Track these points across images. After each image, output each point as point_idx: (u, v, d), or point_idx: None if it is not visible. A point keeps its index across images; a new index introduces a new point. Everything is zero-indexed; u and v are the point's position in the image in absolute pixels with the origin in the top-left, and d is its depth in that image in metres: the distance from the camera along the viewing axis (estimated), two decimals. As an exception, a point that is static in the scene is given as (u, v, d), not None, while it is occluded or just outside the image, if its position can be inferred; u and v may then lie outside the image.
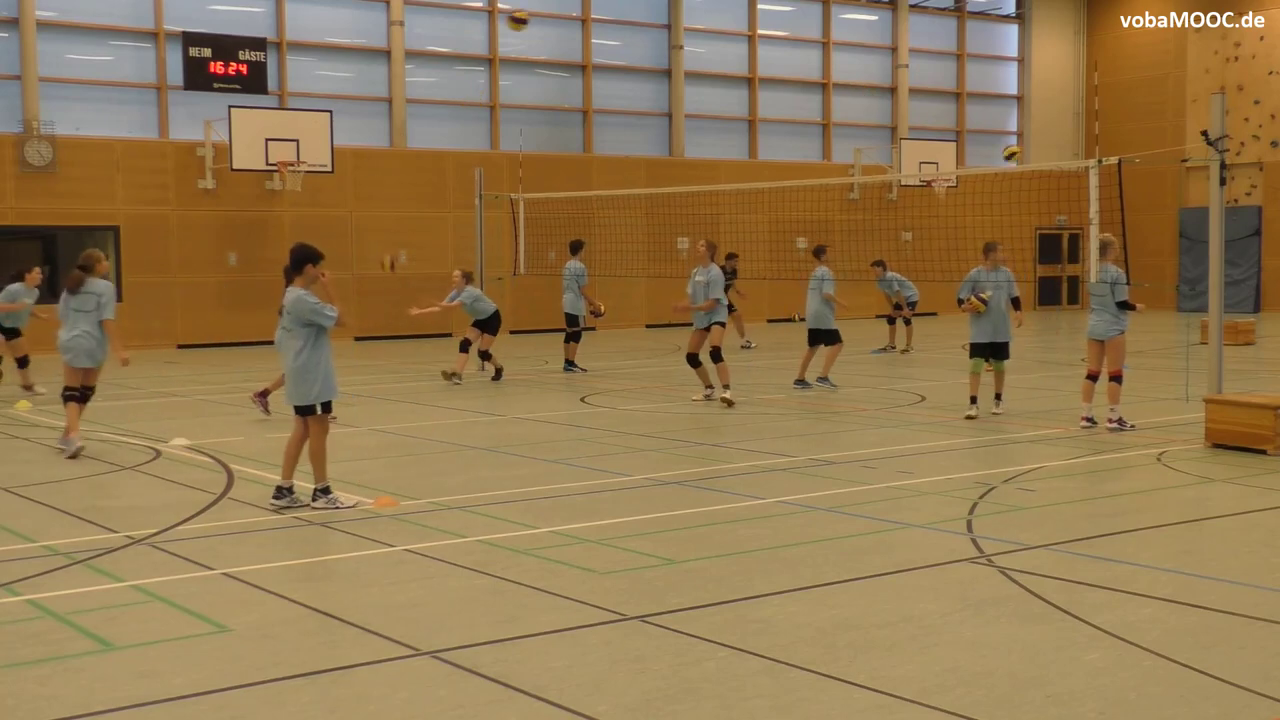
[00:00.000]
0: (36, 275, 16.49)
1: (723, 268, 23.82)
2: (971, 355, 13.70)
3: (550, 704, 5.14)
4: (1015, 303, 13.96)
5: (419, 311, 18.44)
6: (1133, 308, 12.59)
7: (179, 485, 10.13)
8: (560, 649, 5.85)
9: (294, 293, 9.10)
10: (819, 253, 17.93)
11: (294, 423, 9.30)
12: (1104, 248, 12.70)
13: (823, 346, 16.98)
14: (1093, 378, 12.76)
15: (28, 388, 16.13)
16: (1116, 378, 12.64)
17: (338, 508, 9.00)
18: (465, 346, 18.07)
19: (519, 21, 20.44)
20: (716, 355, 15.14)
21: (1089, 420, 12.68)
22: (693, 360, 15.52)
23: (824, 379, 16.58)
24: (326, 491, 9.12)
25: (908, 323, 22.46)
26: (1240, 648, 5.81)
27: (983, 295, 13.51)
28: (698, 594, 6.73)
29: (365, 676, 5.53)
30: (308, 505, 9.07)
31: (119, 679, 5.50)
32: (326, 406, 9.22)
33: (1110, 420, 12.54)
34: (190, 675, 5.53)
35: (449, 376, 17.64)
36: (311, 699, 5.25)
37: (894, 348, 22.34)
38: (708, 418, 14.03)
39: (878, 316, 22.26)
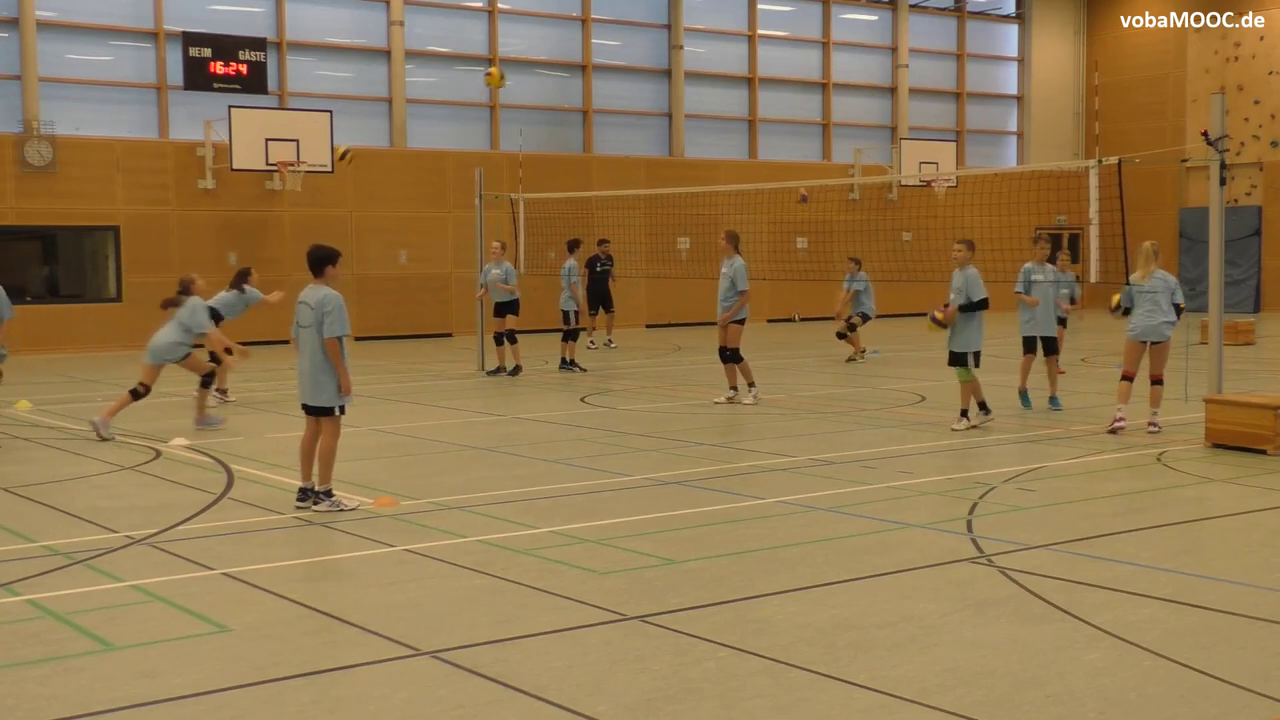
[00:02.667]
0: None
1: (596, 256, 24.04)
2: (951, 364, 12.98)
3: (550, 704, 5.14)
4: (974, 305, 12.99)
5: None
6: (1180, 311, 12.52)
7: (179, 485, 10.13)
8: (560, 649, 5.85)
9: (321, 290, 9.04)
10: (1055, 249, 15.62)
11: (306, 422, 9.21)
12: (1156, 253, 12.60)
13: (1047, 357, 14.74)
14: (1129, 379, 12.50)
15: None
16: (1159, 380, 12.56)
17: (340, 509, 8.95)
18: (512, 338, 18.53)
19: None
20: (735, 355, 15.06)
21: (1123, 422, 12.32)
22: (724, 355, 15.19)
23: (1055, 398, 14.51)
24: (329, 494, 9.03)
25: (853, 329, 20.84)
26: (1240, 648, 5.81)
27: (939, 317, 12.89)
28: (698, 594, 6.73)
29: (365, 676, 5.52)
30: (311, 507, 9.03)
31: (119, 679, 5.50)
32: (342, 409, 9.13)
33: (1151, 424, 12.40)
34: (190, 675, 5.53)
35: (513, 372, 18.45)
36: (311, 699, 5.25)
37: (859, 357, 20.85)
38: (707, 418, 14.02)
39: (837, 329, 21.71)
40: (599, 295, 23.80)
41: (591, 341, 23.88)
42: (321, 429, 9.11)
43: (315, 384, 9.05)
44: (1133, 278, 12.57)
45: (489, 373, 18.53)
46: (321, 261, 9.13)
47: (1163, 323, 12.38)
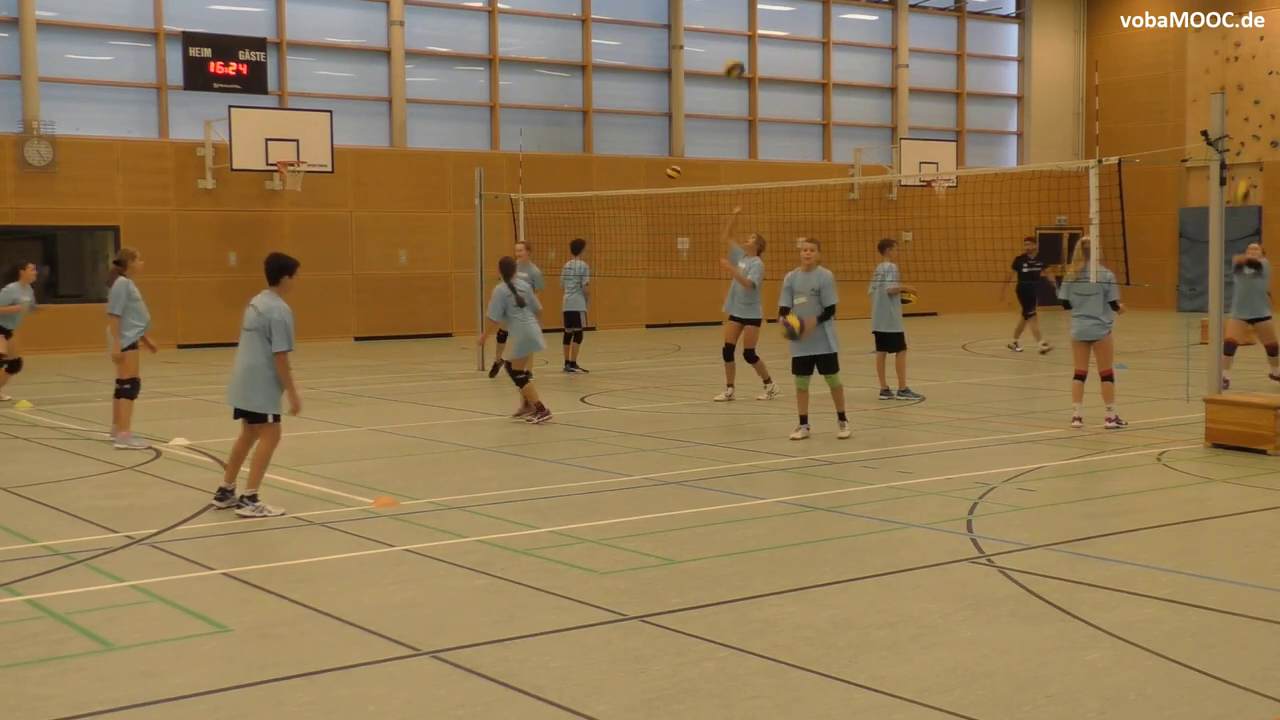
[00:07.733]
0: (31, 272, 15.94)
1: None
2: (793, 371, 12.26)
3: (550, 704, 5.14)
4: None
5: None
6: (1119, 309, 12.68)
7: (179, 485, 10.14)
8: (560, 649, 5.85)
9: (272, 300, 8.92)
10: (884, 247, 15.94)
11: (241, 427, 9.10)
12: (1087, 251, 12.76)
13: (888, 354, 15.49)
14: (1081, 378, 12.83)
15: None
16: (1109, 377, 12.70)
17: (264, 515, 8.76)
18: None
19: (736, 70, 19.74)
20: (751, 354, 15.24)
21: (1080, 420, 12.67)
22: (728, 354, 15.50)
23: (905, 390, 15.30)
24: (254, 499, 8.88)
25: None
26: (1240, 648, 5.81)
27: (790, 320, 11.95)
28: (698, 594, 6.73)
29: (365, 676, 5.52)
30: (235, 511, 8.87)
31: (119, 679, 5.50)
32: (277, 416, 9.00)
33: (1108, 419, 12.60)
34: (190, 675, 5.53)
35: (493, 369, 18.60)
36: (311, 699, 5.25)
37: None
38: (707, 417, 14.03)
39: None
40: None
41: (1019, 345, 22.12)
42: (259, 434, 8.99)
43: (248, 388, 8.89)
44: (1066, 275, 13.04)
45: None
46: (278, 271, 8.99)
47: (1095, 325, 12.66)
